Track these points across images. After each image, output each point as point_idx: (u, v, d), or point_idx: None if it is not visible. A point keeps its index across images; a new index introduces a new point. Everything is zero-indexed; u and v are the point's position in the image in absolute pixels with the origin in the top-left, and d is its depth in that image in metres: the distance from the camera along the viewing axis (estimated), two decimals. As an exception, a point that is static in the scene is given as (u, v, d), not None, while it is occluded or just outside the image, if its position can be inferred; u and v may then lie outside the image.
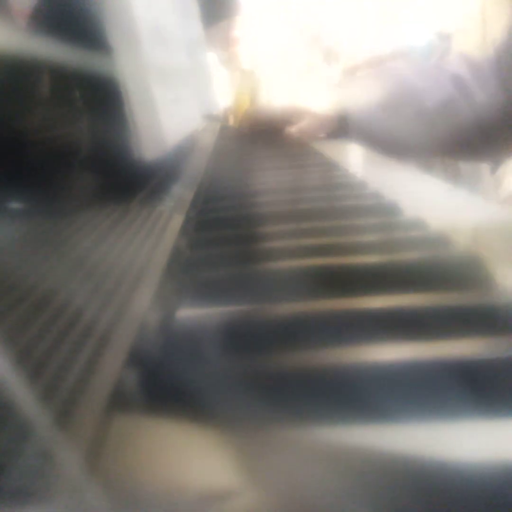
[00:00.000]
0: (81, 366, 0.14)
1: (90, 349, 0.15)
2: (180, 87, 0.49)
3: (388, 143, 0.70)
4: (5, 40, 0.28)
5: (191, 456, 0.12)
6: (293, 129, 0.77)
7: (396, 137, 0.71)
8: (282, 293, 0.22)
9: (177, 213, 0.33)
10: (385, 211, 0.34)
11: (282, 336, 0.19)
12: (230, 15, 1.69)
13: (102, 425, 0.12)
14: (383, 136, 0.71)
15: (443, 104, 0.71)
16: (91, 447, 0.12)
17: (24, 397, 0.12)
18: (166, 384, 0.16)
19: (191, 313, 0.22)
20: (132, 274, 0.21)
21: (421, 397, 0.15)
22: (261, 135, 0.82)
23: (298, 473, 0.12)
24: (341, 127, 0.76)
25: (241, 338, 0.19)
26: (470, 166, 1.25)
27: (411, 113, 0.72)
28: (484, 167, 1.28)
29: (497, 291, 0.21)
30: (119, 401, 0.14)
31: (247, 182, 0.49)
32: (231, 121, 1.53)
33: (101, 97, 0.34)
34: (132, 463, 0.12)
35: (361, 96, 0.76)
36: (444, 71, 0.75)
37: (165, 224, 0.29)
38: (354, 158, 0.65)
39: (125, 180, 0.36)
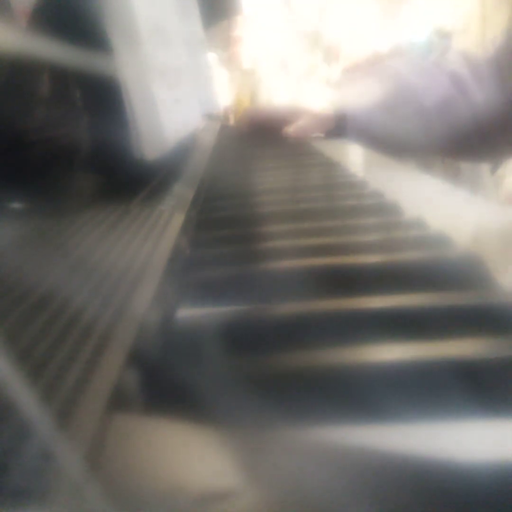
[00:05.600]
0: (81, 366, 0.14)
1: (90, 349, 0.15)
2: (181, 87, 0.49)
3: (387, 142, 0.70)
4: (5, 40, 0.28)
5: (191, 456, 0.12)
6: (292, 128, 0.77)
7: (394, 136, 0.71)
8: (282, 293, 0.22)
9: (177, 212, 0.33)
10: (385, 211, 0.34)
11: (282, 336, 0.19)
12: (230, 15, 1.69)
13: (102, 425, 0.12)
14: (382, 135, 0.71)
15: (441, 103, 0.71)
16: (91, 447, 0.12)
17: (24, 397, 0.12)
18: (166, 384, 0.16)
19: (191, 313, 0.22)
20: (132, 273, 0.21)
21: (421, 397, 0.15)
22: (261, 134, 0.82)
23: (298, 473, 0.12)
24: (340, 126, 0.76)
25: (241, 338, 0.19)
26: (470, 166, 1.25)
27: (410, 111, 0.71)
28: (484, 167, 1.27)
29: (497, 291, 0.21)
30: (119, 401, 0.14)
31: (247, 182, 0.49)
32: (231, 121, 1.53)
33: (101, 97, 0.34)
34: (132, 463, 0.12)
35: (359, 95, 0.75)
36: (443, 69, 0.75)
37: (166, 224, 0.29)
38: (354, 158, 0.65)
39: (126, 180, 0.36)
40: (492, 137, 0.72)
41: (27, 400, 0.12)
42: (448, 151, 0.81)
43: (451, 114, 0.70)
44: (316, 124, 0.77)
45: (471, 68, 0.73)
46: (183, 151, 0.54)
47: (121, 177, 0.35)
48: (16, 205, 0.30)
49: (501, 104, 0.70)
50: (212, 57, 1.32)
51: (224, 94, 1.60)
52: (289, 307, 0.21)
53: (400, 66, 0.78)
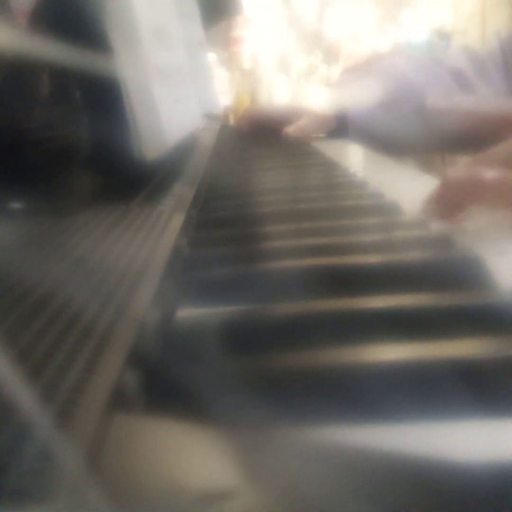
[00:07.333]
0: (81, 366, 0.14)
1: (90, 349, 0.15)
2: (180, 87, 0.49)
3: (388, 141, 0.70)
4: (5, 40, 0.28)
5: (191, 456, 0.12)
6: (292, 128, 0.77)
7: (395, 134, 0.71)
8: (282, 293, 0.22)
9: (177, 212, 0.33)
10: (385, 211, 0.34)
11: (282, 336, 0.19)
12: (230, 15, 1.69)
13: (102, 425, 0.12)
14: (382, 134, 0.71)
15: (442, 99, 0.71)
16: (91, 447, 0.12)
17: (24, 397, 0.12)
18: (166, 384, 0.16)
19: (191, 313, 0.22)
20: (132, 274, 0.21)
21: (421, 397, 0.15)
22: (261, 134, 0.82)
23: (298, 473, 0.12)
24: (340, 126, 0.76)
25: (241, 338, 0.19)
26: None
27: (410, 109, 0.71)
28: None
29: (497, 291, 0.21)
30: (119, 401, 0.14)
31: (247, 182, 0.49)
32: (231, 121, 1.53)
33: (101, 97, 0.34)
34: (132, 463, 0.12)
35: (359, 93, 0.76)
36: (443, 66, 0.75)
37: (166, 224, 0.29)
38: (354, 158, 0.65)
39: (126, 180, 0.36)
40: (496, 132, 0.72)
41: (27, 400, 0.12)
42: (449, 148, 0.81)
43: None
44: (316, 124, 0.77)
45: (473, 62, 0.73)
46: (183, 151, 0.54)
47: (121, 177, 0.35)
48: (16, 205, 0.30)
49: (506, 96, 0.70)
50: (212, 57, 1.33)
51: (224, 94, 1.60)
52: (289, 307, 0.21)
53: (400, 64, 0.78)
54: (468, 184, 0.29)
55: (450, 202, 0.29)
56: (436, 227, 0.29)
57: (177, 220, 0.31)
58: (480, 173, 0.28)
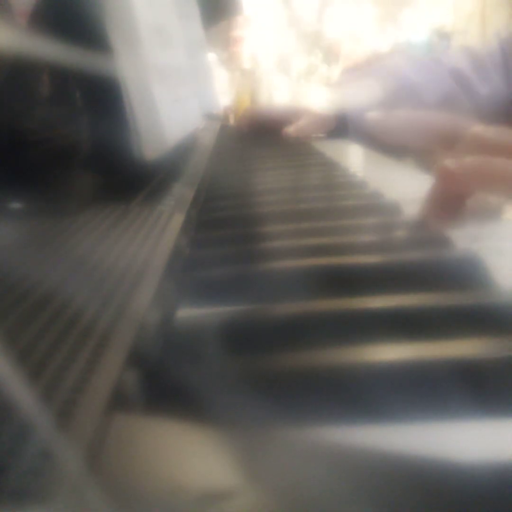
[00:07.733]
0: (81, 366, 0.14)
1: (90, 349, 0.15)
2: (180, 87, 0.49)
3: (387, 141, 0.70)
4: (5, 40, 0.28)
5: (191, 456, 0.12)
6: (292, 128, 0.77)
7: (395, 134, 0.71)
8: (282, 293, 0.22)
9: (177, 212, 0.33)
10: (385, 211, 0.34)
11: (282, 336, 0.19)
12: (230, 15, 1.69)
13: (102, 425, 0.12)
14: (382, 134, 0.71)
15: (442, 99, 0.71)
16: (91, 447, 0.12)
17: (24, 397, 0.12)
18: (166, 384, 0.16)
19: (191, 313, 0.22)
20: (132, 274, 0.21)
21: (421, 397, 0.15)
22: (261, 134, 0.82)
23: (298, 473, 0.12)
24: (340, 126, 0.76)
25: (241, 338, 0.19)
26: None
27: (410, 109, 0.71)
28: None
29: (497, 291, 0.21)
30: (119, 401, 0.14)
31: (247, 182, 0.49)
32: (231, 121, 1.53)
33: (101, 97, 0.34)
34: (132, 463, 0.12)
35: (359, 93, 0.76)
36: (443, 65, 0.75)
37: (166, 224, 0.29)
38: (354, 158, 0.65)
39: (126, 180, 0.36)
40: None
41: (27, 400, 0.12)
42: (450, 148, 0.81)
43: (453, 109, 0.70)
44: (316, 124, 0.77)
45: (473, 62, 0.73)
46: (183, 151, 0.54)
47: (121, 177, 0.35)
48: (16, 205, 0.30)
49: (506, 96, 0.70)
50: (212, 57, 1.33)
51: (224, 94, 1.60)
52: (289, 307, 0.21)
53: (400, 64, 0.78)
54: (476, 169, 0.28)
55: (452, 193, 0.28)
56: (435, 226, 0.29)
57: (177, 220, 0.31)
58: (486, 159, 0.28)
